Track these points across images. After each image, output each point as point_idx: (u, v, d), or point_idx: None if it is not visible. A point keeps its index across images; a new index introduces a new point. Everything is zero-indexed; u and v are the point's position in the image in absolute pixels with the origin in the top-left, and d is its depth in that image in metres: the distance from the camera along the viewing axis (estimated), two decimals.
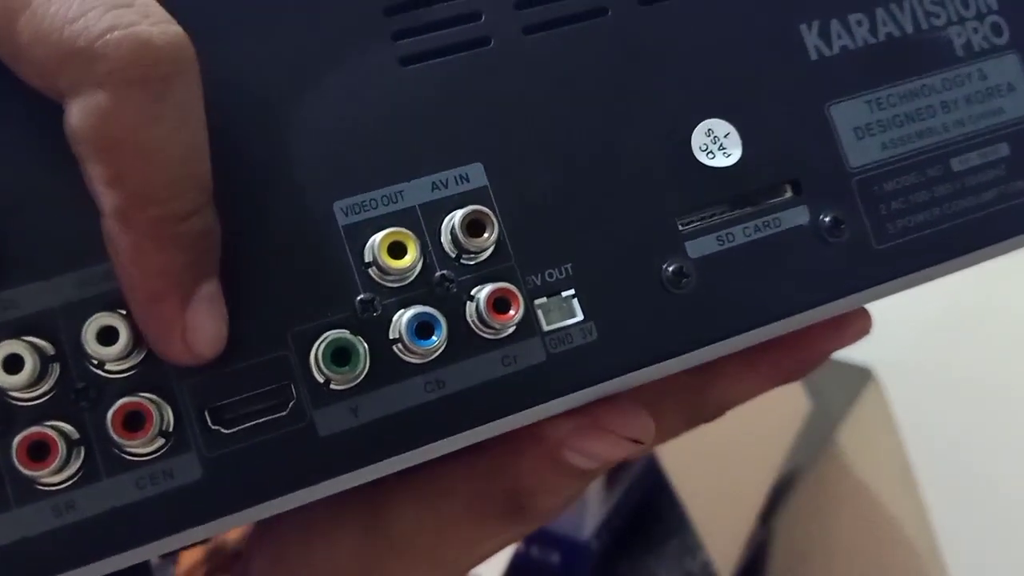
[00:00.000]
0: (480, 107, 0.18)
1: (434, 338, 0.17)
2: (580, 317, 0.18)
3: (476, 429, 0.18)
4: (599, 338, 0.18)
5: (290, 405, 0.16)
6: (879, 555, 0.88)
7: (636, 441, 0.20)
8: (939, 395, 0.88)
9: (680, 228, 0.18)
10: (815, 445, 0.78)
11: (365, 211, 0.17)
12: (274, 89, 0.17)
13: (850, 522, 0.85)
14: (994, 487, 0.86)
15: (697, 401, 0.24)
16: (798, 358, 0.23)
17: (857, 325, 0.23)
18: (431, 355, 0.17)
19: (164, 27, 0.15)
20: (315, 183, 0.17)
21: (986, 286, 0.81)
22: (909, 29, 0.20)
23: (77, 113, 0.15)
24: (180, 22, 0.15)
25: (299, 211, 0.17)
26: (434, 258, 0.17)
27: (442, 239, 0.17)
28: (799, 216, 0.19)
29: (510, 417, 0.18)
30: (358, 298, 0.17)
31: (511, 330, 0.17)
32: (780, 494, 0.71)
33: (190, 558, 0.54)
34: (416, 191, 0.17)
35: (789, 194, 0.19)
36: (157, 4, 0.15)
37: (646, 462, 0.67)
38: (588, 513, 0.60)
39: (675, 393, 0.23)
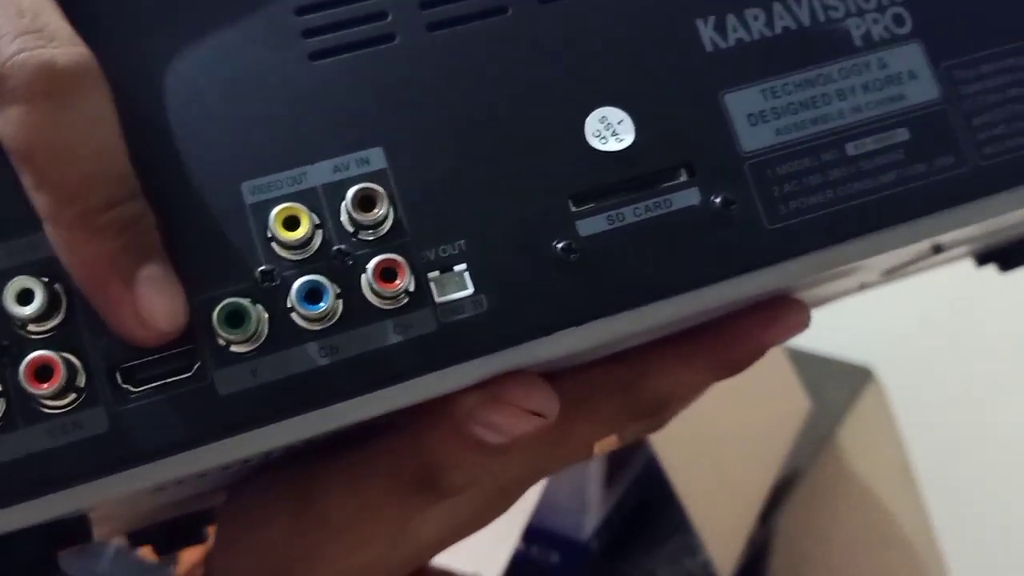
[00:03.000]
0: (383, 97, 0.20)
1: (322, 304, 0.18)
2: (471, 290, 0.19)
3: (367, 396, 0.19)
4: (489, 310, 0.19)
5: (195, 366, 0.18)
6: (879, 553, 0.88)
7: (537, 414, 0.20)
8: (939, 395, 0.88)
9: (571, 208, 0.19)
10: (815, 445, 0.78)
11: (271, 191, 0.19)
12: (194, 84, 0.19)
13: (850, 521, 0.85)
14: (993, 486, 0.86)
15: (634, 394, 0.24)
16: (733, 350, 0.24)
17: (792, 318, 0.23)
18: (322, 320, 0.18)
19: (67, 48, 0.17)
20: (226, 166, 0.19)
21: (986, 285, 0.81)
22: (806, 22, 0.21)
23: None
24: (97, 29, 0.18)
25: (210, 192, 0.19)
26: (333, 234, 0.19)
27: (341, 217, 0.19)
28: (690, 197, 0.20)
29: (402, 385, 0.19)
30: (259, 269, 0.18)
31: (404, 300, 0.19)
32: (780, 493, 0.71)
33: (190, 559, 0.54)
34: (319, 173, 0.19)
35: (683, 178, 0.20)
36: (67, 27, 0.17)
37: (646, 462, 0.67)
38: (588, 513, 0.60)
39: (611, 386, 0.24)
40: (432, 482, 0.22)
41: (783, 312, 0.23)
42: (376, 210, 0.18)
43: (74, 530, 0.20)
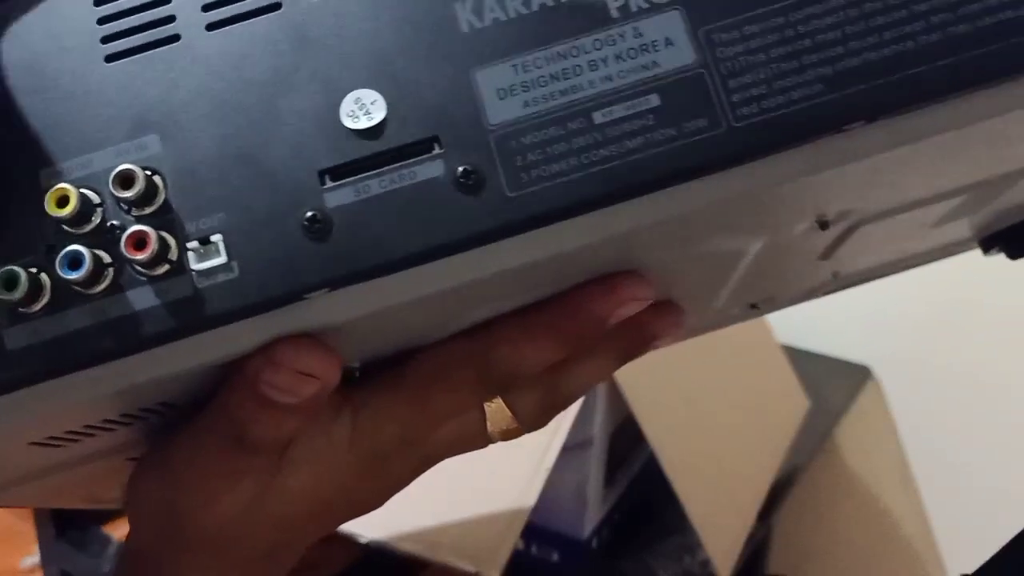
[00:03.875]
0: (165, 90, 0.22)
1: (80, 270, 0.20)
2: (224, 258, 0.21)
3: (141, 356, 0.21)
4: (239, 276, 0.21)
5: None
6: (878, 551, 0.88)
7: (312, 376, 0.22)
8: (937, 393, 0.88)
9: (322, 182, 0.21)
10: (814, 443, 0.78)
11: (63, 176, 0.22)
12: (8, 86, 0.22)
13: (849, 519, 0.86)
14: (990, 483, 0.86)
15: (483, 365, 0.25)
16: (571, 322, 0.25)
17: (627, 289, 0.24)
18: (90, 285, 0.21)
19: None
20: (29, 156, 0.22)
21: (983, 284, 0.81)
22: None
23: None
24: None
25: (15, 179, 0.21)
26: (111, 211, 0.21)
27: (116, 198, 0.21)
28: (434, 169, 0.21)
29: (171, 346, 0.21)
30: (45, 243, 0.21)
31: (165, 268, 0.21)
32: (779, 492, 0.71)
33: None
34: (103, 158, 0.22)
35: (434, 151, 0.21)
36: None
37: (645, 461, 0.67)
38: (588, 512, 0.60)
39: (461, 358, 0.25)
40: (242, 439, 0.23)
41: (619, 284, 0.24)
42: (135, 188, 0.21)
43: None
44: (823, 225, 0.27)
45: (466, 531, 0.54)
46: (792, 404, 0.76)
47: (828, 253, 0.31)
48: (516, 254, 0.21)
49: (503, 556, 0.52)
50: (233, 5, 0.22)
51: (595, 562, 0.63)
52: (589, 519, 0.61)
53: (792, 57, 0.21)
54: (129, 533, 0.27)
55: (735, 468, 0.66)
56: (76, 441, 0.24)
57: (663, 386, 0.58)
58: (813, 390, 0.78)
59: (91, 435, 0.24)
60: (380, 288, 0.21)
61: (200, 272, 0.21)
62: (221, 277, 0.21)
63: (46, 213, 0.21)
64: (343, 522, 0.28)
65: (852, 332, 0.91)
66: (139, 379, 0.21)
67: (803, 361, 0.79)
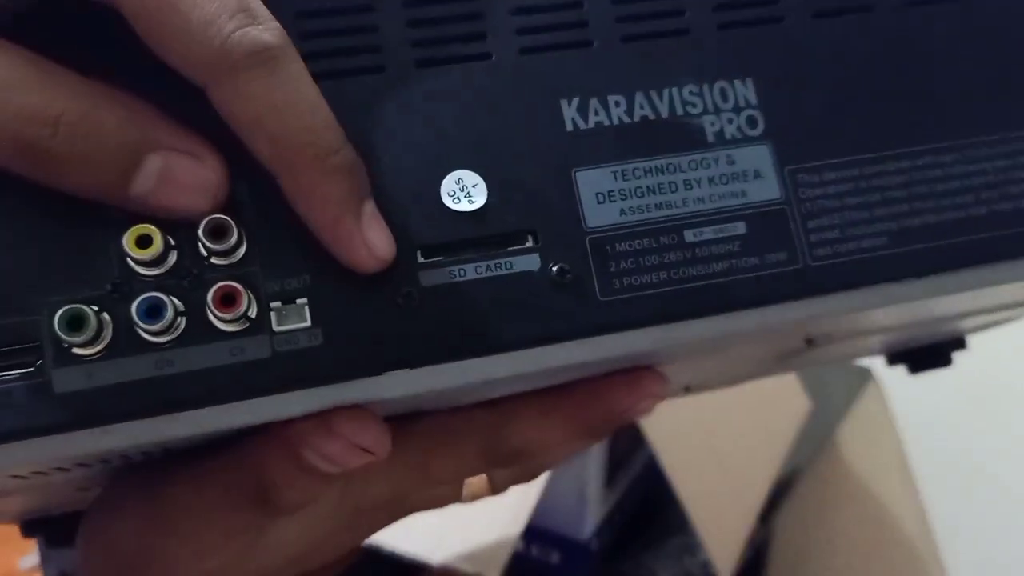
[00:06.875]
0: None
1: (160, 319, 0.19)
2: (308, 323, 0.20)
3: (197, 412, 0.20)
4: (323, 344, 0.20)
5: (37, 363, 0.19)
6: (879, 554, 0.88)
7: (367, 451, 0.22)
8: (938, 395, 0.88)
9: (417, 258, 0.21)
10: (815, 444, 0.78)
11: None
12: None
13: (850, 521, 0.86)
14: (993, 485, 0.86)
15: (493, 439, 0.25)
16: (589, 411, 0.25)
17: (650, 386, 0.25)
18: (161, 334, 0.20)
19: (269, 24, 0.19)
20: None
21: None
22: (664, 113, 0.23)
23: (221, 101, 0.19)
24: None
25: (83, 210, 0.20)
26: (187, 258, 0.20)
27: (198, 243, 0.20)
28: (530, 262, 0.21)
29: (232, 405, 0.20)
30: (112, 281, 0.20)
31: (244, 325, 0.20)
32: (780, 493, 0.71)
33: None
34: None
35: (528, 244, 0.21)
36: (264, 7, 0.19)
37: (646, 462, 0.67)
38: (588, 513, 0.60)
39: (472, 429, 0.25)
40: (267, 499, 0.23)
41: (642, 381, 0.25)
42: (228, 239, 0.20)
43: None
44: (809, 343, 0.29)
45: (466, 532, 0.54)
46: (793, 405, 0.76)
47: (784, 358, 0.35)
48: (592, 351, 0.22)
49: (503, 557, 0.52)
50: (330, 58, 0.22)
51: (595, 563, 0.63)
52: (589, 520, 0.61)
53: (864, 208, 0.23)
54: (84, 569, 0.26)
55: (736, 469, 0.66)
56: (46, 475, 0.23)
57: None
58: (814, 391, 0.78)
59: (67, 470, 0.23)
60: (456, 369, 0.21)
61: (281, 334, 0.20)
62: (303, 342, 0.20)
63: (120, 248, 0.20)
64: (306, 570, 0.28)
65: None
66: (184, 433, 0.21)
67: None
